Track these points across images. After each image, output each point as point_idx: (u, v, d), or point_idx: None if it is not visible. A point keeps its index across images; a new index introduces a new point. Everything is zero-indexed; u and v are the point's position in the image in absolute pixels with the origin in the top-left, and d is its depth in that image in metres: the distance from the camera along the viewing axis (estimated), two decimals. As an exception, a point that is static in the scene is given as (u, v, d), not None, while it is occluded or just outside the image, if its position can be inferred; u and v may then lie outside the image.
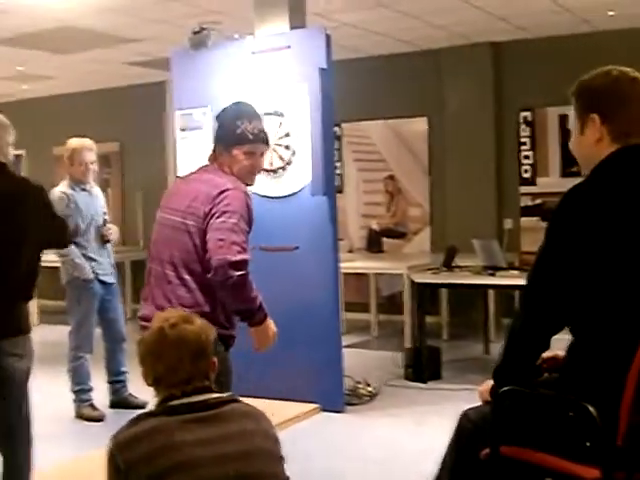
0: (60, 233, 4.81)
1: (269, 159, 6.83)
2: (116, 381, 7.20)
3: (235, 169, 4.22)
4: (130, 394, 7.18)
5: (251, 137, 4.23)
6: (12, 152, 4.51)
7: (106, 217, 7.06)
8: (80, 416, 6.92)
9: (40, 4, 8.21)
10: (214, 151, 4.32)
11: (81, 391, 6.95)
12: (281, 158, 6.85)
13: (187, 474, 2.47)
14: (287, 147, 6.82)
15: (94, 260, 6.92)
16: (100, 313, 7.05)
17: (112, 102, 13.56)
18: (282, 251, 6.86)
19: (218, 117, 4.41)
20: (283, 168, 6.85)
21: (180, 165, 7.37)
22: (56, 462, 5.48)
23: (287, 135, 6.84)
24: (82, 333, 6.93)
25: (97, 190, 7.16)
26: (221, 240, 3.86)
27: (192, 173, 4.39)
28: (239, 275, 3.86)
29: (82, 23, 9.12)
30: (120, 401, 7.15)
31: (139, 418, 2.63)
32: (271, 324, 4.22)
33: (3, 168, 4.40)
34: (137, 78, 12.83)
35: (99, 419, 6.86)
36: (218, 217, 3.95)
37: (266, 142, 4.33)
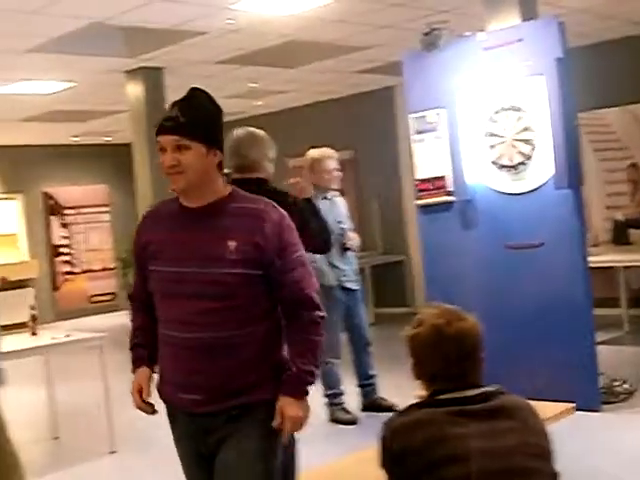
0: (321, 239, 4.88)
1: (508, 155, 6.73)
2: (366, 384, 7.29)
3: None
4: (380, 397, 7.24)
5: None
6: (272, 167, 4.64)
7: (345, 225, 7.14)
8: (333, 420, 7.05)
9: (269, 21, 8.43)
10: None
11: (333, 395, 7.08)
12: (521, 153, 6.72)
13: (459, 467, 2.46)
14: (527, 142, 6.68)
15: (337, 267, 7.02)
16: (345, 319, 7.15)
17: (343, 111, 13.78)
18: (527, 248, 6.73)
19: None
20: (523, 163, 6.71)
21: (418, 168, 7.37)
22: (311, 465, 5.57)
23: (526, 129, 6.70)
24: (329, 339, 6.97)
25: (339, 199, 7.26)
26: None
27: None
28: None
29: (309, 36, 9.31)
30: (371, 404, 7.23)
31: (410, 408, 2.65)
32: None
33: (264, 183, 4.54)
34: (366, 85, 12.98)
35: (352, 422, 6.96)
36: None
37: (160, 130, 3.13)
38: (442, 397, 2.62)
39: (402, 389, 7.52)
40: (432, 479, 2.48)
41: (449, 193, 7.13)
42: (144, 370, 3.23)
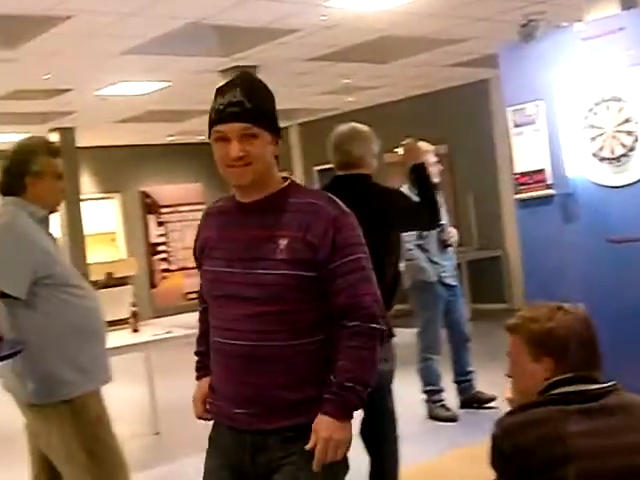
0: (421, 218, 4.83)
1: (609, 147, 6.59)
2: (463, 381, 7.23)
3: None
4: (478, 391, 7.18)
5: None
6: (376, 163, 4.62)
7: (444, 221, 7.09)
8: (433, 416, 7.01)
9: (362, 17, 8.42)
10: None
11: (432, 392, 7.04)
12: (623, 145, 6.56)
13: (574, 465, 2.42)
14: (629, 133, 6.52)
15: (437, 263, 6.99)
16: (445, 315, 7.11)
17: (437, 105, 13.71)
18: (630, 242, 6.58)
19: None
20: (625, 155, 6.55)
21: (517, 162, 7.26)
22: (412, 462, 5.55)
23: (628, 121, 6.53)
24: (429, 335, 7.02)
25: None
26: None
27: None
28: None
29: (403, 31, 9.27)
30: (468, 399, 7.17)
31: (524, 407, 2.60)
32: None
33: (368, 179, 4.53)
34: (460, 78, 12.87)
35: (452, 419, 6.90)
36: None
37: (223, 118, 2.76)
38: (558, 392, 2.56)
39: (498, 386, 7.46)
40: (546, 479, 2.44)
41: (549, 186, 7.00)
42: (207, 380, 2.99)
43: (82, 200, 14.63)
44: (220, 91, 2.76)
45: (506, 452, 2.51)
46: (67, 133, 14.11)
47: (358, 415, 4.36)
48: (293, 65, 10.52)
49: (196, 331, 3.16)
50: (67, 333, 3.87)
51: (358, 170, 4.55)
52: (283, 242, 2.70)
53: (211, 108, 2.75)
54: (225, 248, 2.83)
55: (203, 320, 3.07)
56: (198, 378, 3.10)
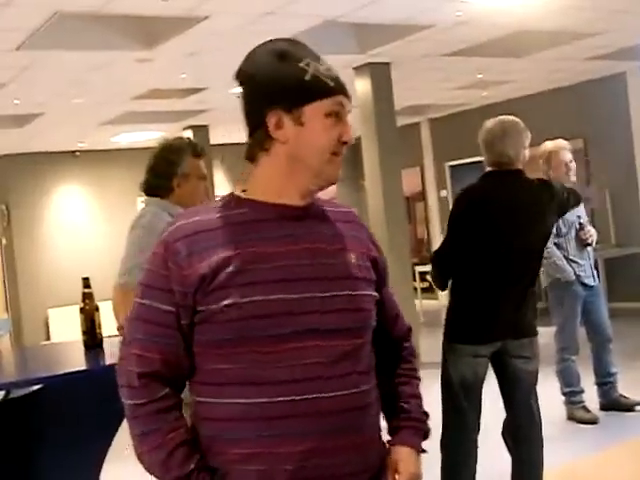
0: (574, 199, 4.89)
1: None
2: (604, 382, 7.08)
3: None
4: (621, 395, 7.03)
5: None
6: (527, 155, 4.57)
7: (583, 220, 6.96)
8: (572, 418, 6.89)
9: (497, 11, 8.33)
10: None
11: (572, 393, 6.92)
12: None
13: None
14: None
15: (575, 262, 6.86)
16: (584, 314, 6.98)
17: (571, 99, 13.48)
18: None
19: None
20: None
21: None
22: (550, 464, 5.48)
23: None
24: (567, 335, 6.91)
25: (575, 189, 7.09)
26: None
27: None
28: None
29: (538, 24, 9.14)
30: (610, 403, 7.02)
31: None
32: None
33: (520, 175, 4.50)
34: (596, 72, 12.62)
35: (592, 422, 6.77)
36: None
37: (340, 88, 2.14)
38: None
39: (639, 387, 7.32)
40: None
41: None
42: None
43: (216, 197, 14.86)
44: (310, 53, 2.12)
45: None
46: (201, 131, 14.37)
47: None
48: (426, 61, 10.48)
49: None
50: None
51: (512, 166, 4.50)
52: (353, 257, 2.14)
53: (312, 71, 2.07)
54: (272, 268, 2.02)
55: (169, 417, 2.04)
56: None
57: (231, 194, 2.15)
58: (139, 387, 2.04)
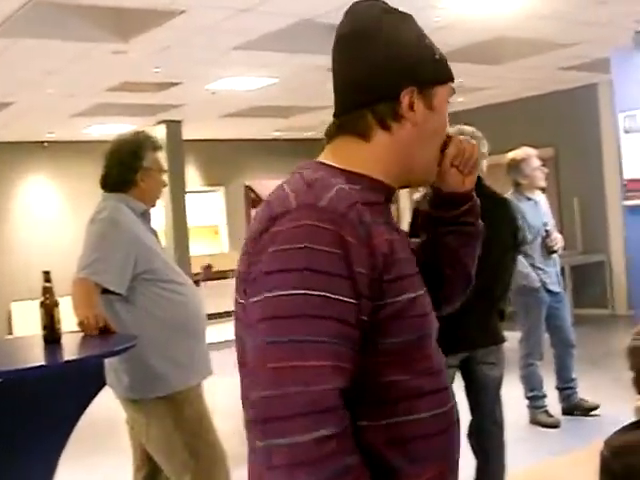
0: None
1: None
2: (567, 387, 7.15)
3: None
4: (581, 399, 7.11)
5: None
6: (485, 165, 4.60)
7: (548, 227, 7.01)
8: (535, 422, 6.97)
9: (476, 18, 8.37)
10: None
11: (535, 397, 6.99)
12: None
13: None
14: None
15: (541, 269, 6.92)
16: (548, 320, 7.05)
17: (545, 108, 13.56)
18: None
19: None
20: None
21: (626, 168, 7.17)
22: (513, 467, 5.53)
23: None
24: (532, 341, 6.98)
25: (542, 197, 7.14)
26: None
27: None
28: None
29: (515, 33, 9.19)
30: (572, 407, 7.09)
31: (634, 426, 2.56)
32: None
33: (480, 181, 4.53)
34: (569, 82, 12.71)
35: (554, 425, 6.85)
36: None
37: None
38: None
39: (601, 390, 7.41)
40: None
41: (659, 194, 6.92)
42: None
43: (187, 193, 14.78)
44: (418, 30, 1.86)
45: (618, 473, 2.46)
46: (174, 126, 14.32)
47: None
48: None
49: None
50: (165, 329, 3.88)
51: None
52: None
53: (438, 51, 1.85)
54: (406, 260, 1.73)
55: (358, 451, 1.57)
56: None
57: (337, 169, 1.76)
58: (334, 409, 1.50)
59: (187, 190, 14.62)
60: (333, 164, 1.77)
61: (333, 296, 1.53)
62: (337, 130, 1.82)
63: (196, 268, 13.91)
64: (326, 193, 1.63)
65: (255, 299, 1.59)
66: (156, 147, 4.16)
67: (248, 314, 1.63)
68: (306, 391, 1.47)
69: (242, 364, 1.68)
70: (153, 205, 4.15)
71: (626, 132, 7.20)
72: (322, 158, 1.84)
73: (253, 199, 17.44)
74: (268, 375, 1.50)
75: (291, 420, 1.46)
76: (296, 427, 1.46)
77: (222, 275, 15.54)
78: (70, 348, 3.87)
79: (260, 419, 1.50)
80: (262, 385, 1.51)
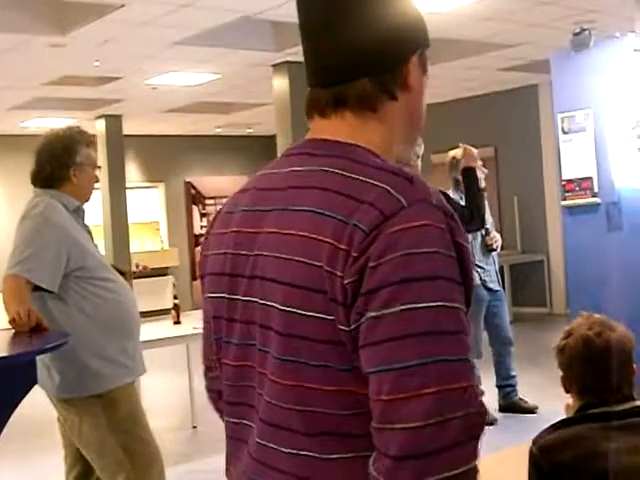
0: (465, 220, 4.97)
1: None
2: (506, 385, 7.21)
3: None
4: (520, 398, 7.16)
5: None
6: (419, 164, 4.62)
7: (488, 225, 7.07)
8: (470, 420, 6.99)
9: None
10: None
11: (471, 396, 7.02)
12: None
13: None
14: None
15: (480, 267, 6.97)
16: (487, 319, 7.10)
17: (485, 108, 13.67)
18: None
19: None
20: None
21: (564, 169, 7.23)
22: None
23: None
24: (470, 338, 7.00)
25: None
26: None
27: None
28: None
29: (455, 33, 9.25)
30: (510, 405, 7.15)
31: (560, 424, 2.60)
32: None
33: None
34: (509, 83, 12.83)
35: (490, 423, 6.88)
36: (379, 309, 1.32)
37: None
38: (593, 412, 2.56)
39: (539, 388, 7.49)
40: None
41: (595, 195, 6.99)
42: None
43: (127, 188, 14.65)
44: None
45: (545, 470, 2.52)
46: (114, 121, 14.20)
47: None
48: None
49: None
50: (98, 326, 3.82)
51: None
52: None
53: (414, 16, 1.59)
54: None
55: None
56: None
57: (370, 151, 1.49)
58: (478, 438, 1.36)
59: (127, 186, 14.49)
60: (363, 145, 1.50)
61: (460, 306, 1.36)
62: (336, 103, 1.54)
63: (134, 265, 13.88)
64: (428, 188, 1.40)
65: (387, 311, 1.31)
66: (89, 142, 4.10)
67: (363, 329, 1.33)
68: (468, 415, 1.33)
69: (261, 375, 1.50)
70: (86, 201, 4.09)
71: (565, 133, 7.25)
72: (329, 136, 1.53)
73: (194, 195, 17.37)
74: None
75: (453, 448, 1.29)
76: (458, 454, 1.30)
77: (161, 272, 15.48)
78: (0, 345, 3.81)
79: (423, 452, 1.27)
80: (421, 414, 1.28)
